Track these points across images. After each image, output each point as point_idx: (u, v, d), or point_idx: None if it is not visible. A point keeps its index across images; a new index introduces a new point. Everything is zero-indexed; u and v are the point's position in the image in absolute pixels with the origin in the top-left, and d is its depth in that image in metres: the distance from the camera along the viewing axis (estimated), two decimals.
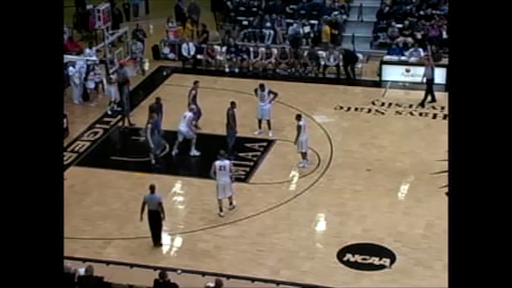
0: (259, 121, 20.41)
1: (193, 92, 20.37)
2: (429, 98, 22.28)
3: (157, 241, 15.51)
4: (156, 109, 19.92)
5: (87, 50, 24.08)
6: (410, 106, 22.14)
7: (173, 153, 19.39)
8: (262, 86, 20.49)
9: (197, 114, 20.31)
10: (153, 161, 18.96)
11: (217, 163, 16.44)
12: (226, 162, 16.55)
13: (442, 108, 21.87)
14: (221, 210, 16.58)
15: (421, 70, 23.53)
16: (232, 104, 19.29)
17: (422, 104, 22.14)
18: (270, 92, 20.39)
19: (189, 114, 19.35)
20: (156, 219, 15.36)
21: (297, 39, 25.84)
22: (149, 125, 18.82)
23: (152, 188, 15.37)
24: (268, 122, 20.39)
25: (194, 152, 19.31)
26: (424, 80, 22.34)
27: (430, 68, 22.37)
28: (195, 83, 20.69)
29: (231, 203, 16.71)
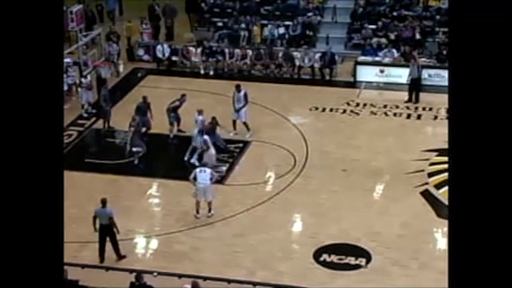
0: (234, 122, 20.38)
1: (177, 103, 20.29)
2: (407, 97, 22.48)
3: (118, 254, 15.08)
4: (143, 109, 19.89)
5: None
6: (385, 106, 22.28)
7: (188, 159, 18.90)
8: (238, 87, 20.46)
9: (177, 120, 20.31)
10: (136, 161, 18.80)
11: (198, 169, 16.56)
12: (207, 168, 16.62)
13: (416, 108, 22.06)
14: (198, 212, 16.52)
15: (395, 70, 23.78)
16: (213, 119, 19.30)
17: (416, 100, 22.27)
18: (245, 94, 20.35)
19: (200, 117, 19.09)
20: (108, 233, 14.93)
21: (235, 38, 25.93)
22: (131, 128, 18.67)
23: (103, 202, 14.96)
24: (245, 123, 20.35)
25: (194, 160, 18.73)
26: (409, 79, 22.54)
27: (416, 67, 22.59)
28: (182, 96, 20.52)
29: (209, 210, 16.61)
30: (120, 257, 15.07)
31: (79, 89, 22.79)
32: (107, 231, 14.92)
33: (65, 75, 22.91)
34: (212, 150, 18.40)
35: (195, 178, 16.35)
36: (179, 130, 20.43)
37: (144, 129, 19.73)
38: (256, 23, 26.42)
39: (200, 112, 19.26)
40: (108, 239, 14.98)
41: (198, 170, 16.57)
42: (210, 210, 16.59)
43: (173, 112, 20.22)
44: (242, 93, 20.29)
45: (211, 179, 16.45)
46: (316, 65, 24.56)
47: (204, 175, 16.35)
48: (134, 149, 18.82)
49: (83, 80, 22.70)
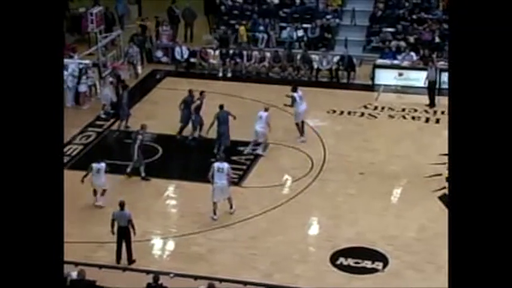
0: (299, 125, 20.33)
1: (198, 102, 20.37)
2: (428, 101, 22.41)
3: (130, 257, 15.10)
4: (190, 104, 20.12)
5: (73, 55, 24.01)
6: (403, 110, 22.21)
7: (247, 151, 19.39)
8: (294, 89, 20.37)
9: (199, 123, 20.31)
10: (143, 174, 18.56)
11: (216, 165, 16.46)
12: (225, 164, 16.55)
13: (435, 112, 21.96)
14: (215, 213, 16.54)
15: (413, 74, 23.70)
16: (221, 106, 19.39)
17: (432, 104, 22.21)
18: (292, 96, 20.14)
19: (265, 114, 19.39)
20: (125, 236, 15.04)
21: (223, 39, 26.04)
22: (139, 136, 18.48)
23: (121, 205, 15.05)
24: (297, 125, 20.20)
25: (260, 151, 19.36)
26: (426, 82, 22.47)
27: (434, 70, 22.50)
28: (201, 93, 20.61)
29: (231, 206, 16.64)
30: (131, 261, 15.11)
31: (102, 89, 22.84)
32: (125, 233, 15.01)
33: (84, 77, 23.06)
34: (100, 179, 17.34)
35: (212, 176, 16.32)
36: (200, 135, 20.36)
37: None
38: (242, 22, 26.45)
39: (266, 109, 19.55)
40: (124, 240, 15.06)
41: (216, 167, 16.39)
42: (231, 207, 16.62)
43: (196, 114, 20.23)
44: (295, 94, 20.16)
45: (228, 179, 16.42)
46: (334, 68, 24.53)
47: (221, 175, 16.33)
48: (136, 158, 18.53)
49: (110, 79, 22.75)
